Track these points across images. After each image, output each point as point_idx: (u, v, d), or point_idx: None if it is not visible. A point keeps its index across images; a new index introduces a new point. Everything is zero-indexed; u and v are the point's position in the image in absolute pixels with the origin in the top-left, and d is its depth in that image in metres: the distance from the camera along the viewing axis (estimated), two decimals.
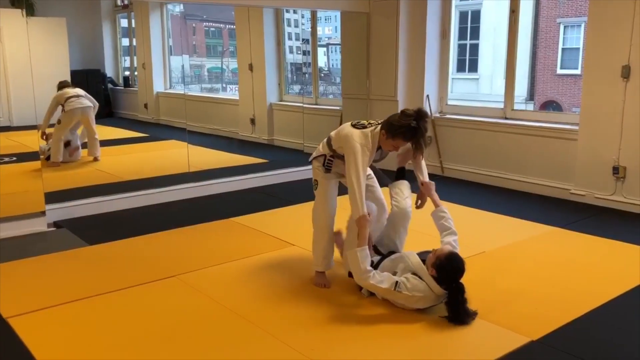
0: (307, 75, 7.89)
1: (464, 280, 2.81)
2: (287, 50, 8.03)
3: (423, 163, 3.23)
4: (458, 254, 2.86)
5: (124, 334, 2.69)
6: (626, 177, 4.71)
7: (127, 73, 8.17)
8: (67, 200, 4.67)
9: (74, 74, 6.72)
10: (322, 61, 8.26)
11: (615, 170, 4.74)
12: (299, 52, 8.31)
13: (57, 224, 4.44)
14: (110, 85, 7.98)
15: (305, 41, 7.98)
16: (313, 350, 2.51)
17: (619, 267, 3.51)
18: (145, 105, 7.98)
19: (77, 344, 2.61)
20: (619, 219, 4.51)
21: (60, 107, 6.12)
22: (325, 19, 9.54)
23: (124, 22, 8.15)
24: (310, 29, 7.73)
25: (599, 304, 2.96)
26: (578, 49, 14.61)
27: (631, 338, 2.66)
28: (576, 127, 5.04)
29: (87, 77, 7.39)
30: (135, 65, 8.13)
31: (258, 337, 2.65)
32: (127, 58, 8.22)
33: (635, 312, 2.92)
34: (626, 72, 4.58)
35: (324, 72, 8.42)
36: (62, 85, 6.16)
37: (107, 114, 7.71)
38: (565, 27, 15.20)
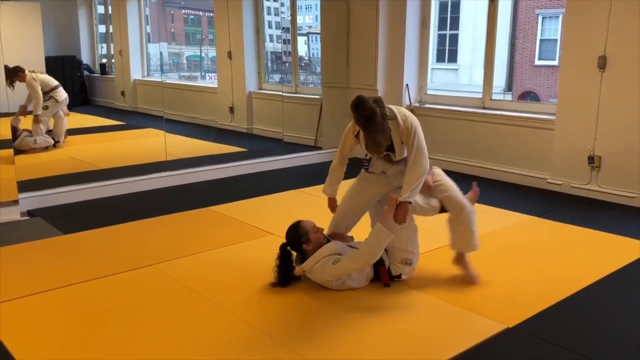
0: (287, 64, 7.84)
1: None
2: (267, 38, 7.97)
3: (409, 174, 2.88)
4: (294, 224, 3.07)
5: (99, 324, 2.66)
6: (601, 167, 4.78)
7: (104, 60, 8.04)
8: (41, 189, 4.59)
9: (48, 60, 6.60)
10: (302, 50, 8.21)
11: (591, 159, 4.81)
12: (279, 40, 8.25)
13: (30, 213, 4.36)
14: (86, 72, 7.85)
15: (285, 30, 7.92)
16: (291, 339, 2.51)
17: (593, 255, 3.56)
18: (122, 93, 7.87)
19: (51, 334, 2.57)
20: (594, 208, 4.58)
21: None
22: (306, 8, 9.47)
23: (100, 8, 8.00)
24: (290, 18, 7.68)
25: (574, 291, 3.00)
26: (556, 40, 14.77)
27: (606, 324, 2.71)
28: (553, 117, 5.09)
29: (62, 64, 7.25)
30: (112, 52, 8.00)
31: (236, 326, 2.64)
32: (104, 45, 8.08)
33: (609, 299, 2.97)
34: (602, 63, 4.63)
35: (304, 61, 8.38)
36: (29, 70, 6.11)
37: (83, 101, 7.59)
38: (543, 18, 15.34)
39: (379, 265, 3.00)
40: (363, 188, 3.17)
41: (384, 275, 3.01)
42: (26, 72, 6.06)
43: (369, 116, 2.70)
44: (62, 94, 6.35)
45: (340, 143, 3.13)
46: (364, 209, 3.22)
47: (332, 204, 3.29)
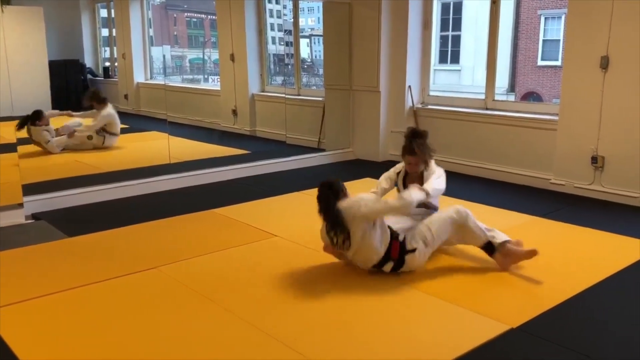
0: (289, 66, 7.86)
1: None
2: (270, 41, 7.99)
3: (430, 178, 3.45)
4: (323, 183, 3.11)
5: (103, 326, 2.67)
6: (604, 167, 4.77)
7: (107, 64, 8.08)
8: (45, 192, 4.60)
9: (52, 64, 6.63)
10: (305, 52, 8.23)
11: (594, 160, 4.80)
12: (282, 43, 8.27)
13: (35, 216, 4.37)
14: (89, 76, 7.88)
15: (288, 32, 7.94)
16: (296, 340, 2.51)
17: (597, 255, 3.56)
18: (126, 96, 7.90)
19: (56, 336, 2.58)
20: (598, 208, 4.57)
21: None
22: (308, 10, 9.50)
23: (103, 12, 8.04)
24: (292, 20, 7.69)
25: (578, 292, 3.00)
26: (558, 40, 14.75)
27: (610, 324, 2.70)
28: (556, 118, 5.08)
29: (65, 68, 7.29)
30: (115, 55, 8.03)
31: (240, 328, 2.64)
32: (107, 48, 8.12)
33: (613, 299, 2.97)
34: (605, 63, 4.63)
35: (306, 63, 8.40)
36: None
37: (87, 105, 7.61)
38: (545, 18, 15.34)
39: (392, 237, 3.09)
40: None
41: (394, 249, 3.08)
42: (108, 104, 6.50)
43: (423, 136, 3.52)
44: (112, 141, 6.64)
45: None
46: None
47: None
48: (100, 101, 6.51)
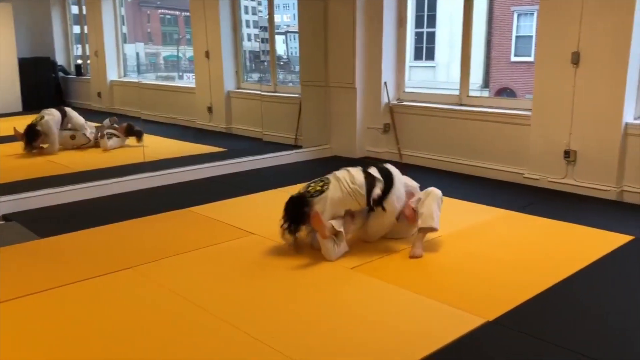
0: (265, 63, 7.82)
1: None
2: (245, 37, 7.95)
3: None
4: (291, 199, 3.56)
5: (78, 328, 2.63)
6: (577, 161, 4.85)
7: (79, 61, 7.95)
8: (16, 193, 4.51)
9: (22, 62, 6.52)
10: (280, 49, 8.20)
11: (567, 154, 4.88)
12: (257, 39, 8.23)
13: (6, 217, 4.29)
14: (61, 74, 7.76)
15: (263, 28, 7.90)
16: (273, 338, 2.50)
17: (570, 248, 3.61)
18: (99, 94, 7.79)
19: (30, 339, 2.54)
20: (570, 202, 4.65)
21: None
22: (284, 7, 9.46)
23: (74, 9, 7.91)
24: (267, 16, 7.66)
25: (553, 284, 3.04)
26: (531, 36, 14.95)
27: (584, 315, 2.75)
28: (529, 113, 5.15)
29: (36, 65, 7.16)
30: (88, 53, 7.91)
31: (218, 327, 2.63)
32: (79, 46, 7.99)
33: (586, 290, 3.02)
34: (576, 59, 4.70)
35: (282, 60, 8.36)
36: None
37: (59, 103, 7.49)
38: (519, 15, 15.53)
39: None
40: None
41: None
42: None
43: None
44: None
45: None
46: None
47: None
48: (130, 133, 6.62)
